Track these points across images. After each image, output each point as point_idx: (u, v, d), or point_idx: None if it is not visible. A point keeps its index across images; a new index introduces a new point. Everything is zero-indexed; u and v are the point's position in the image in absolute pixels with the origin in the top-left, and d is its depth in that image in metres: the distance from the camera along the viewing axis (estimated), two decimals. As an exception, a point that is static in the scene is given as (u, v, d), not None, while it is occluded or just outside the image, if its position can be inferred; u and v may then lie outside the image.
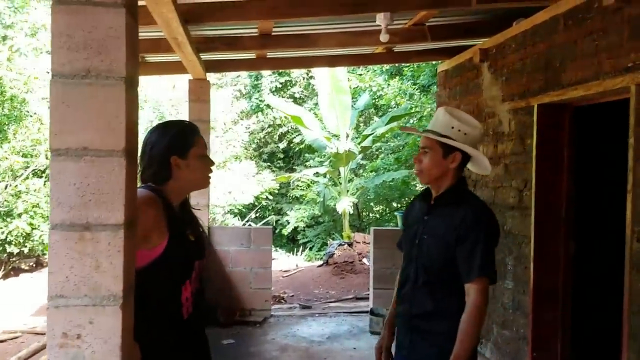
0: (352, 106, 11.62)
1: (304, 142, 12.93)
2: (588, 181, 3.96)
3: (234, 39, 4.47)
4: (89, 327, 1.51)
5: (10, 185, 8.79)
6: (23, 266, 9.16)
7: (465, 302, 2.02)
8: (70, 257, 1.49)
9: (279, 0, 3.53)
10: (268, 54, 5.26)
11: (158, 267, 1.76)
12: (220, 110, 13.38)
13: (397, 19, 4.40)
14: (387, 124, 10.68)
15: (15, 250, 8.52)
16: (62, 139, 1.49)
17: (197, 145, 1.88)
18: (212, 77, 15.58)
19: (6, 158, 8.69)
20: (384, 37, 3.75)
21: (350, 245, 8.81)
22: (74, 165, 1.50)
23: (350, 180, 12.01)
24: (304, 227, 13.68)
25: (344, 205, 10.58)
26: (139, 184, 1.88)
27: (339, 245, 8.71)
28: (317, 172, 11.59)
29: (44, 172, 9.33)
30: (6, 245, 8.44)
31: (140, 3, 3.17)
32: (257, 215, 14.12)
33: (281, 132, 15.28)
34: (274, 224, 14.31)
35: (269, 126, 15.42)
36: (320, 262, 8.87)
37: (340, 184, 11.55)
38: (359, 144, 11.22)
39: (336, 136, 11.29)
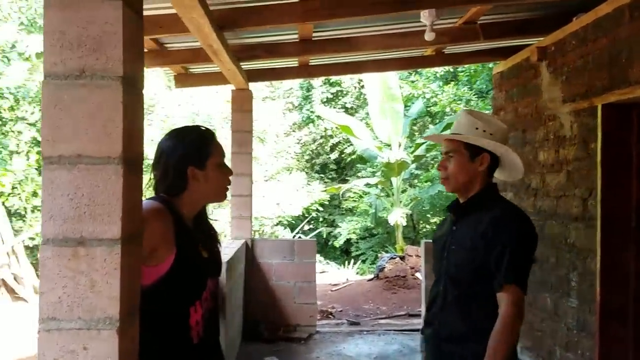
0: (405, 114, 11.33)
1: (356, 153, 12.73)
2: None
3: (274, 46, 4.34)
4: (82, 354, 1.35)
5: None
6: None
7: None
8: (62, 276, 1.35)
9: (316, 2, 3.36)
10: (311, 61, 5.11)
11: (163, 286, 1.60)
12: (272, 122, 13.40)
13: (446, 17, 4.16)
14: (442, 131, 10.31)
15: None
16: (55, 146, 1.35)
17: (216, 153, 1.72)
18: (265, 90, 15.78)
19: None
20: (429, 36, 3.51)
21: (402, 258, 8.49)
22: (68, 175, 1.35)
23: (404, 191, 11.68)
24: (357, 240, 13.43)
25: (396, 216, 10.27)
26: (149, 195, 1.74)
27: (390, 259, 8.40)
28: (367, 183, 11.34)
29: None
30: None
31: (171, 11, 3.10)
32: (310, 227, 13.99)
33: (333, 143, 15.14)
34: (326, 236, 14.13)
35: (321, 137, 15.33)
36: (371, 276, 8.60)
37: (393, 194, 11.24)
38: (412, 152, 10.89)
39: (388, 145, 11.02)
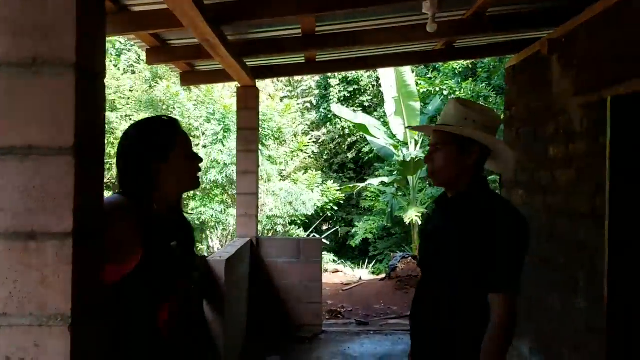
0: (422, 111, 11.18)
1: (373, 152, 12.63)
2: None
3: (276, 41, 4.27)
4: (33, 351, 1.31)
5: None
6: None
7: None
8: (13, 270, 1.31)
9: (311, -6, 3.29)
10: (318, 56, 5.04)
11: (130, 284, 1.54)
12: (289, 121, 13.36)
13: (454, 9, 4.05)
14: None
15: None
16: (6, 137, 1.31)
17: (180, 144, 1.65)
18: (284, 89, 15.75)
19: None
20: (430, 27, 3.40)
21: (415, 258, 8.36)
22: (19, 166, 1.31)
23: (421, 190, 11.52)
24: (375, 239, 13.30)
25: (412, 215, 10.13)
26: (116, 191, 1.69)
27: (402, 258, 8.27)
28: (383, 182, 11.21)
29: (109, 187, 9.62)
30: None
31: (165, 5, 3.06)
32: (329, 226, 13.91)
33: (350, 142, 15.05)
34: (344, 236, 14.04)
35: (339, 136, 15.24)
36: (383, 276, 8.48)
37: (409, 193, 11.10)
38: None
39: (405, 144, 10.88)
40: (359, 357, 4.66)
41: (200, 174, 1.74)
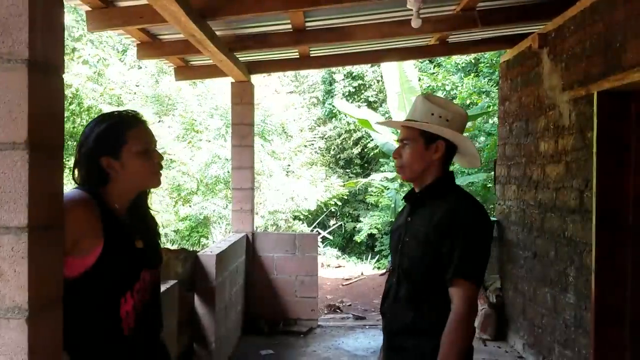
0: (424, 107, 11.11)
1: (378, 147, 12.59)
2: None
3: (266, 36, 4.28)
4: (-8, 342, 1.33)
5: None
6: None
7: None
8: (-29, 263, 1.33)
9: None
10: (311, 52, 5.03)
11: (91, 277, 1.56)
12: (296, 116, 13.34)
13: (444, 4, 4.03)
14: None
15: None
16: (-39, 132, 1.33)
17: (132, 140, 1.62)
18: (292, 85, 15.72)
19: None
20: (415, 23, 3.37)
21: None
22: (-26, 161, 1.33)
23: (424, 185, 11.45)
24: (380, 234, 13.28)
25: (415, 210, 10.09)
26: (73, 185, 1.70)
27: (402, 253, 8.25)
28: (385, 177, 11.18)
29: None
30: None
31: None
32: (335, 222, 13.88)
33: (356, 137, 15.00)
34: (351, 231, 14.01)
35: (345, 132, 15.20)
36: (384, 271, 8.48)
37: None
38: (430, 146, 10.68)
39: (407, 139, 10.83)
40: (352, 351, 4.68)
41: (162, 171, 1.73)
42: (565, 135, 3.79)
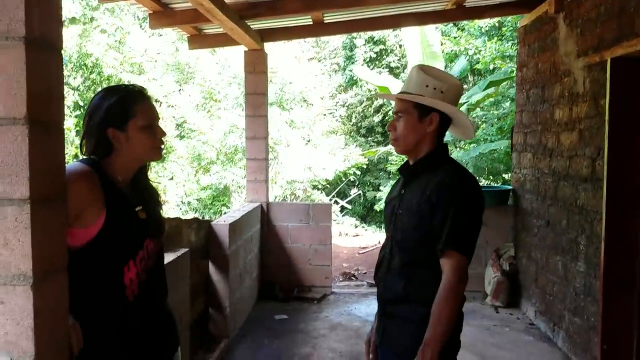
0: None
1: (398, 114, 12.43)
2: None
3: (276, 2, 4.24)
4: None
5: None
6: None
7: None
8: (-22, 234, 1.40)
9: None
10: (325, 18, 4.98)
11: (95, 247, 1.63)
12: (317, 84, 13.20)
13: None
14: (484, 89, 9.85)
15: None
16: (-38, 107, 1.39)
17: (139, 114, 1.68)
18: (311, 51, 15.52)
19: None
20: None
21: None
22: (-24, 135, 1.39)
23: (445, 153, 11.33)
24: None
25: (434, 178, 10.02)
26: (80, 157, 1.76)
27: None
28: (406, 145, 11.06)
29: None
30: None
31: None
32: (356, 191, 13.90)
33: (377, 105, 14.81)
34: (372, 200, 14.02)
35: (367, 99, 15.01)
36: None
37: (432, 156, 10.95)
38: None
39: (427, 106, 10.69)
40: (363, 317, 4.77)
41: (163, 145, 1.78)
42: (579, 103, 3.72)
